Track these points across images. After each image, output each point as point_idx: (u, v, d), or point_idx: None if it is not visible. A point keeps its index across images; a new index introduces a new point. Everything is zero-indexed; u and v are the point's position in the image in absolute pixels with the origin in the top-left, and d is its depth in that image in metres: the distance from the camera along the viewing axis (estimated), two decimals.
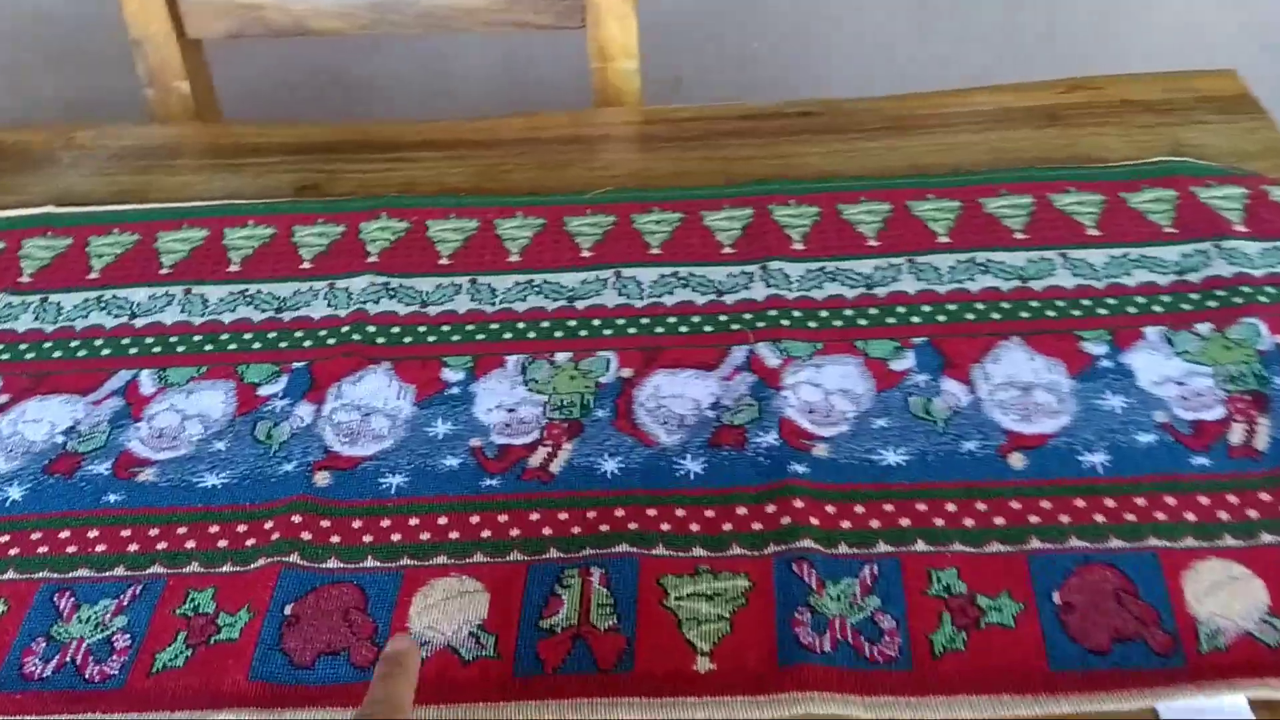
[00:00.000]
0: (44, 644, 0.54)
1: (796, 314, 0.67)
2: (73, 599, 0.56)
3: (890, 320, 0.67)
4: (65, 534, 0.59)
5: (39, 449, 0.63)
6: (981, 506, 0.56)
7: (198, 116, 0.91)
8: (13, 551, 0.58)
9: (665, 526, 0.57)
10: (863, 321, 0.67)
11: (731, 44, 1.55)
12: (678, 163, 0.80)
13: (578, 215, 0.76)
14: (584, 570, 0.55)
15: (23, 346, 0.70)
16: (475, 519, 0.58)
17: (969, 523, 0.56)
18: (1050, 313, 0.66)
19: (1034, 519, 0.55)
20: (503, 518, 0.58)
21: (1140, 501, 0.56)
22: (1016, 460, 0.58)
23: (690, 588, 0.54)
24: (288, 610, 0.54)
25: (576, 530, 0.57)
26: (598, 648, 0.52)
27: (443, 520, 0.58)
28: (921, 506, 0.57)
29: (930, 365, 0.64)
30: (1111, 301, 0.67)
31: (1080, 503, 0.56)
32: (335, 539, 0.57)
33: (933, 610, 0.52)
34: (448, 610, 0.54)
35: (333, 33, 0.91)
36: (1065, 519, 0.55)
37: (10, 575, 0.57)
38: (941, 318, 0.67)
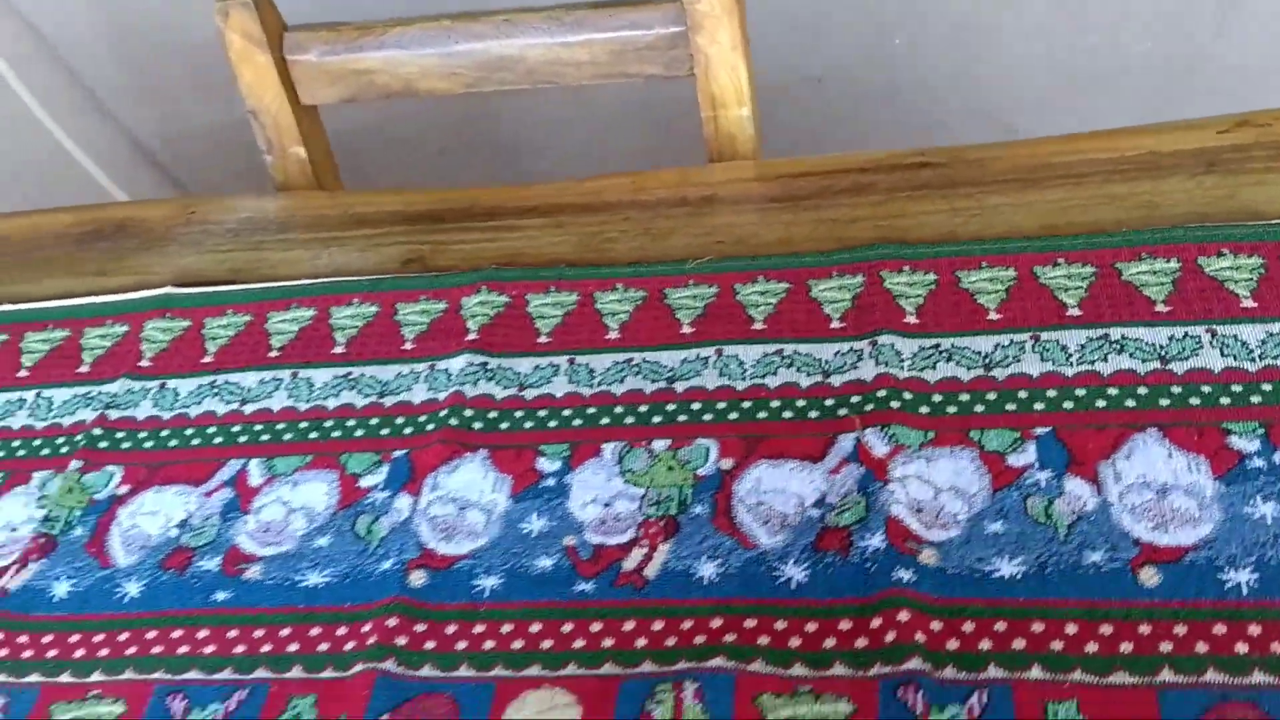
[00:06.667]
0: None
1: (907, 396, 0.63)
2: (185, 701, 0.57)
3: (1010, 407, 0.62)
4: (178, 633, 0.60)
5: (155, 543, 0.65)
6: (1106, 630, 0.52)
7: (317, 180, 0.92)
8: (130, 650, 0.60)
9: (764, 641, 0.54)
10: (979, 408, 0.62)
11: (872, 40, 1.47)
12: (788, 226, 0.76)
13: (679, 287, 0.74)
14: (677, 685, 0.53)
15: (142, 435, 0.72)
16: (568, 627, 0.57)
17: (1092, 648, 0.51)
18: (1194, 400, 0.60)
19: (1166, 646, 0.51)
20: (595, 627, 0.57)
21: None
22: (1148, 576, 0.53)
23: (789, 710, 0.52)
24: None
25: (671, 642, 0.55)
26: None
27: (535, 628, 0.57)
28: (1038, 627, 0.52)
29: (1053, 460, 0.59)
30: (1266, 388, 0.59)
31: (1220, 628, 0.51)
32: (430, 644, 0.57)
33: None
34: None
35: (442, 92, 0.90)
36: (1202, 647, 0.50)
37: (129, 675, 0.59)
38: (1068, 404, 0.61)
